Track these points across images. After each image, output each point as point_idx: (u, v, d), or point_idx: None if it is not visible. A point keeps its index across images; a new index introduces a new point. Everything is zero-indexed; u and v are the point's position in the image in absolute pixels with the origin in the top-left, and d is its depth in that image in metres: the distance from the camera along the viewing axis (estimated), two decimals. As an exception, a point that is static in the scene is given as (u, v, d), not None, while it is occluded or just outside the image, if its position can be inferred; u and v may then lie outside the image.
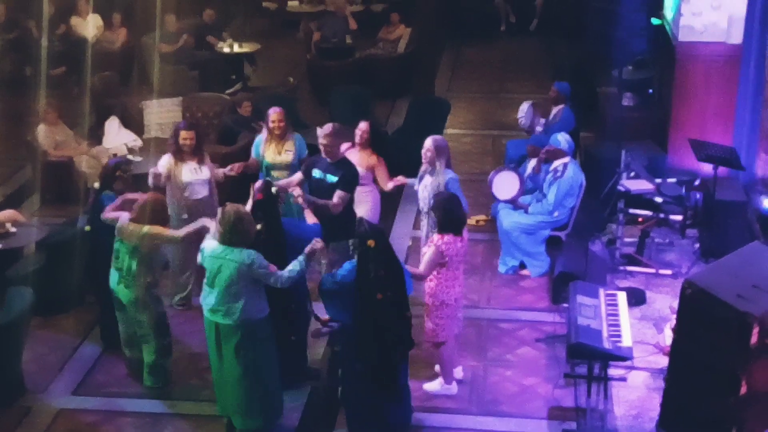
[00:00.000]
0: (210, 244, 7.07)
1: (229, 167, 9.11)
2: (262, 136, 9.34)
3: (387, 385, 7.05)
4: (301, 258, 7.10)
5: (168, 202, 8.70)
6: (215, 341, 7.07)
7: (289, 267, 7.07)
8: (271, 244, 7.31)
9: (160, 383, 7.85)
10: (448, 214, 7.53)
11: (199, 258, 7.20)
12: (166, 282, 8.73)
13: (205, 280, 7.09)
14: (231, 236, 6.93)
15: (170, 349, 7.87)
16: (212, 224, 7.41)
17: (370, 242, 6.80)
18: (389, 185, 9.08)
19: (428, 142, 8.47)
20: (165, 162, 8.83)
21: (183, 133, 8.75)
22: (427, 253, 7.56)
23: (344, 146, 8.86)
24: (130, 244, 7.53)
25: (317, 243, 7.14)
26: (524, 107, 11.23)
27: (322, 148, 8.43)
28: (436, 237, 7.55)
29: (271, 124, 9.13)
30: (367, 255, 6.83)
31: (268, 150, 9.19)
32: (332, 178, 8.33)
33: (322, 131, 8.46)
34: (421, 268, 7.58)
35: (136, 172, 9.23)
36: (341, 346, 7.36)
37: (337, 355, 7.56)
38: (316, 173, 8.43)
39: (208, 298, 7.05)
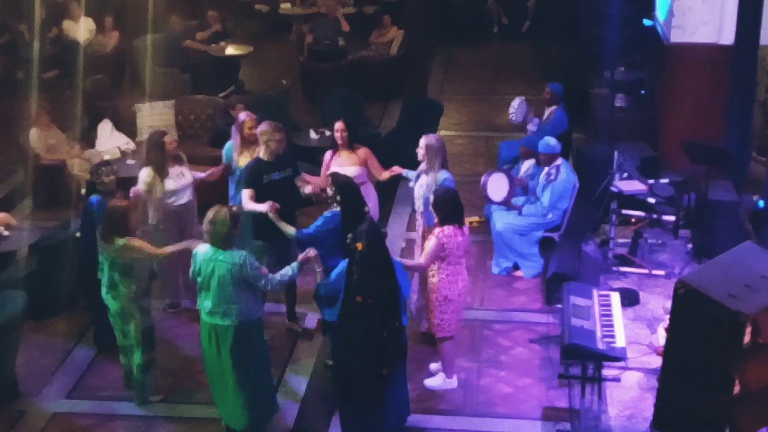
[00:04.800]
0: (202, 248, 7.07)
1: (209, 172, 8.98)
2: (233, 142, 9.06)
3: (372, 392, 6.95)
4: (294, 264, 7.15)
5: (149, 211, 8.62)
6: (215, 344, 7.05)
7: (282, 271, 7.11)
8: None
9: (140, 398, 7.74)
10: (449, 205, 7.55)
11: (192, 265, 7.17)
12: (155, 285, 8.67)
13: (199, 284, 7.07)
14: (222, 238, 6.93)
15: (152, 364, 7.74)
16: (198, 244, 7.34)
17: (359, 245, 6.77)
18: (384, 174, 8.86)
19: (421, 142, 8.38)
20: (144, 176, 8.62)
21: (167, 138, 8.67)
22: (428, 244, 7.59)
23: (327, 155, 8.81)
24: (109, 256, 7.46)
25: (310, 251, 7.15)
26: (515, 103, 11.14)
27: (275, 145, 8.22)
28: (437, 230, 7.57)
29: (247, 131, 8.89)
30: (353, 256, 6.80)
31: (241, 156, 8.89)
32: (286, 173, 8.27)
33: (270, 130, 8.24)
34: (421, 259, 7.66)
35: (126, 176, 9.19)
36: (333, 347, 7.35)
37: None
38: (268, 178, 8.23)
39: (204, 302, 7.03)
